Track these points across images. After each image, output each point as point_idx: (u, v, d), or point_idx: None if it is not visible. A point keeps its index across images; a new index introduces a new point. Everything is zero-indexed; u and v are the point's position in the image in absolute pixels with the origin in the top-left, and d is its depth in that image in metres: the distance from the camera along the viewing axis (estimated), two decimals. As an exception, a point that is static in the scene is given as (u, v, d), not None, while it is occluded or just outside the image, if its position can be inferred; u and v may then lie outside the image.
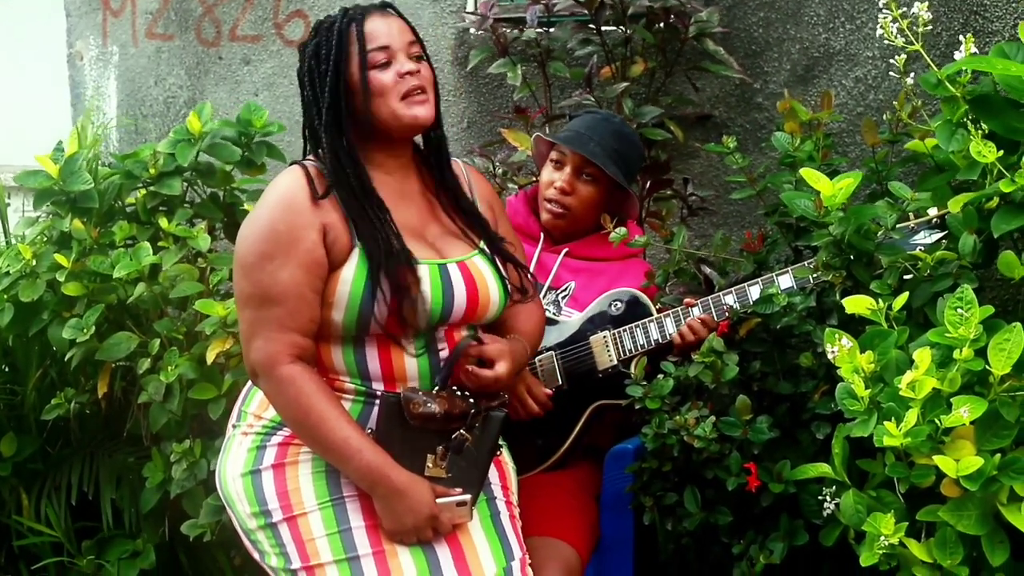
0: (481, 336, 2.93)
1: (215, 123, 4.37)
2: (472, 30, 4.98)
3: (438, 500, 2.78)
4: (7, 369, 4.60)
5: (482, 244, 2.96)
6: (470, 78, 5.10)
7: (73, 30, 6.47)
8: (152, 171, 4.31)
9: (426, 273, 2.79)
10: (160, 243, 4.14)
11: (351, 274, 2.76)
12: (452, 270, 2.85)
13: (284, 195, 2.78)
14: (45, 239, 4.35)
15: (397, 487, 2.73)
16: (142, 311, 4.15)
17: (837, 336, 2.64)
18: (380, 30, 2.83)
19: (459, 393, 2.83)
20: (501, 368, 2.86)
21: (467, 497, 2.81)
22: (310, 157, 2.90)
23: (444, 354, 2.86)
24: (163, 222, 4.16)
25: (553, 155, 3.55)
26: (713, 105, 4.57)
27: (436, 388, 2.82)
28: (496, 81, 4.94)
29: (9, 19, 6.84)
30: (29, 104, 6.66)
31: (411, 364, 2.82)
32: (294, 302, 2.72)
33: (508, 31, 4.48)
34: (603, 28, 4.34)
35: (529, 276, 3.07)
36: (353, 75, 2.80)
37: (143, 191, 4.35)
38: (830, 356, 2.64)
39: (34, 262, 4.20)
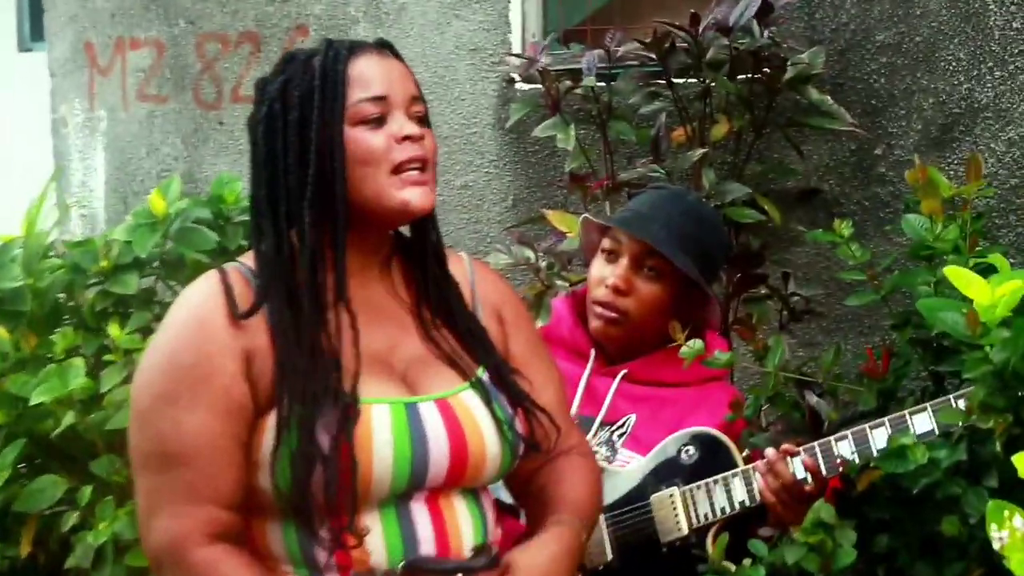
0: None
1: (185, 202, 4.09)
2: (517, 80, 4.73)
3: None
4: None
5: (480, 373, 2.52)
6: (517, 144, 4.87)
7: (57, 92, 6.48)
8: (104, 264, 4.02)
9: (384, 416, 2.35)
10: (106, 356, 3.85)
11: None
12: (426, 411, 2.40)
13: (191, 314, 2.39)
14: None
15: None
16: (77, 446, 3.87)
17: (1006, 514, 2.16)
18: (375, 74, 2.42)
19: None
20: None
21: None
22: (239, 259, 2.50)
23: (424, 530, 2.41)
24: (113, 330, 3.87)
25: (606, 243, 3.20)
26: (820, 177, 4.33)
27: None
28: (549, 148, 4.71)
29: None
30: (12, 179, 6.71)
31: (376, 546, 2.36)
32: (207, 461, 2.31)
33: (560, 83, 4.17)
34: (675, 80, 4.00)
35: (553, 420, 2.59)
36: (330, 130, 2.38)
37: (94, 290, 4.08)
38: (996, 543, 2.15)
39: (-55, 381, 3.95)
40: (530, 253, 3.88)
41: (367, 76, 2.41)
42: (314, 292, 2.39)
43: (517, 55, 4.55)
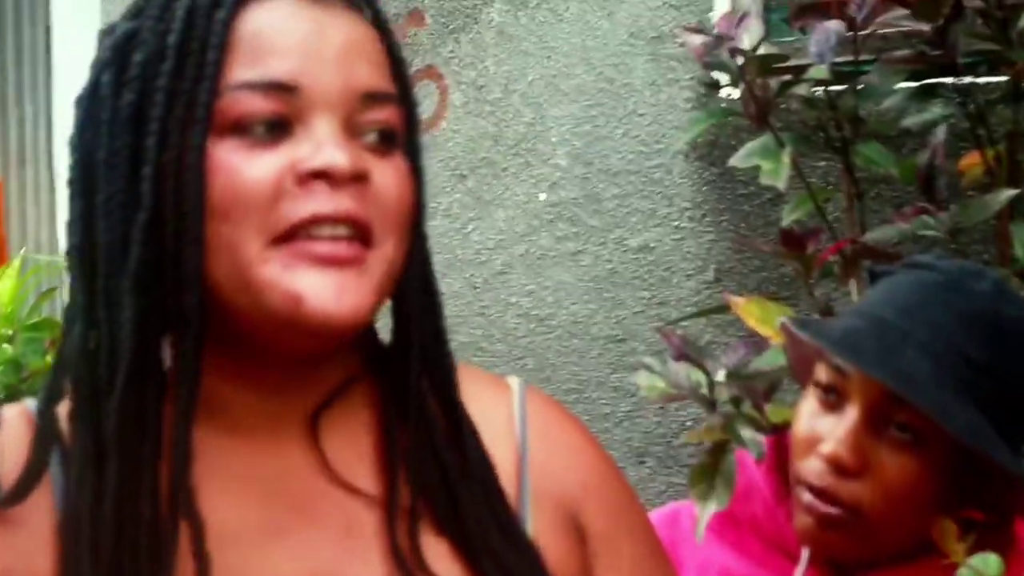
0: None
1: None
2: (724, 84, 3.60)
3: None
4: None
5: None
6: (722, 183, 3.83)
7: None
8: (50, 359, 3.50)
9: None
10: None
11: None
12: None
13: None
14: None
15: None
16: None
17: None
18: (286, 35, 1.42)
19: None
20: None
21: None
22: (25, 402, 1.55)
23: None
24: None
25: (821, 374, 2.22)
26: None
27: None
28: (773, 188, 3.50)
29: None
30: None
31: None
32: None
33: (771, 82, 3.06)
34: (964, 75, 2.95)
35: None
36: (179, 140, 1.40)
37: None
38: None
39: None
40: (699, 375, 2.60)
41: (269, 38, 1.42)
42: (131, 464, 1.41)
43: (697, 31, 3.23)
